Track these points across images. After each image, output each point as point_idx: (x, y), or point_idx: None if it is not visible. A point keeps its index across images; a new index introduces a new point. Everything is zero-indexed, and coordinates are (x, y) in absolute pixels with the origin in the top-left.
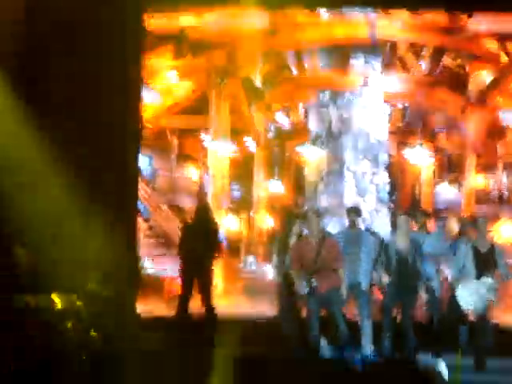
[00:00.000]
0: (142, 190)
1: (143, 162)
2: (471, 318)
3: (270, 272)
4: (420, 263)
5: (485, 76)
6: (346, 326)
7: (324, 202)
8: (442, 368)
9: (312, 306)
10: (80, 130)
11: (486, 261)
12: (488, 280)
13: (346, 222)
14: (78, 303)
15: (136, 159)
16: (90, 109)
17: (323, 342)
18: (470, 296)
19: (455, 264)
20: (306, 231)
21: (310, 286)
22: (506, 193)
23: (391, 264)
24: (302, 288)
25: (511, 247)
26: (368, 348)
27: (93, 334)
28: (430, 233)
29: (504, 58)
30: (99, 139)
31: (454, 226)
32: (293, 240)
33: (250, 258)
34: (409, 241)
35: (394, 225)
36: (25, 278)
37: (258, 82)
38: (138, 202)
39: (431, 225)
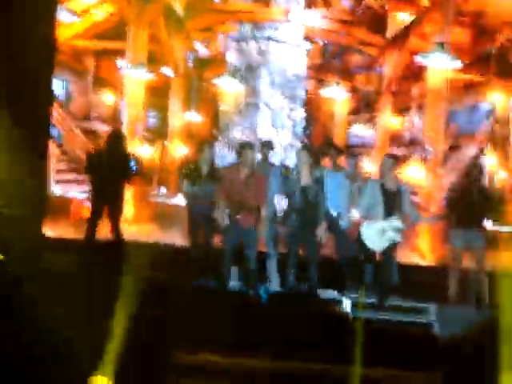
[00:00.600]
0: (56, 112)
1: (58, 84)
2: (376, 256)
3: (180, 201)
4: (322, 200)
5: (404, 17)
6: (256, 266)
7: (238, 134)
8: (346, 304)
9: (230, 238)
10: None
11: (393, 201)
12: (394, 220)
13: (259, 156)
14: None
15: (49, 81)
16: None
17: (233, 275)
18: (374, 235)
19: (362, 202)
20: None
21: (233, 218)
22: (418, 135)
23: (293, 199)
24: (223, 218)
25: (419, 188)
26: (274, 282)
27: None
28: (342, 169)
29: (424, 1)
30: (10, 59)
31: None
32: (205, 169)
33: (162, 187)
34: (310, 177)
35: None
36: None
37: (178, 10)
38: (51, 126)
39: (343, 161)
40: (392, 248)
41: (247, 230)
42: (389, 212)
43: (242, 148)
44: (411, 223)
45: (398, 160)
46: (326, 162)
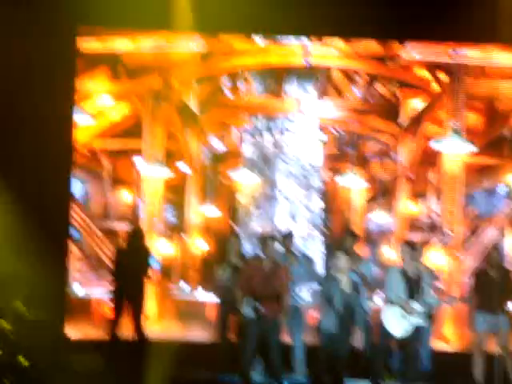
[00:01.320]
0: (75, 214)
1: (76, 186)
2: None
3: (203, 296)
4: (360, 307)
5: (417, 104)
6: (281, 359)
7: (256, 226)
8: None
9: (253, 331)
10: (11, 152)
11: (414, 287)
12: (413, 305)
13: (280, 247)
14: (4, 325)
15: (68, 183)
16: (22, 132)
17: (258, 369)
18: (394, 320)
19: (387, 290)
20: (247, 253)
21: (257, 311)
22: (437, 219)
23: (332, 304)
24: (247, 312)
25: (440, 273)
26: (300, 372)
27: (19, 357)
28: (360, 256)
29: (435, 87)
30: (30, 162)
31: (386, 252)
32: (236, 260)
33: (183, 283)
34: (350, 283)
35: (327, 249)
36: None
37: (192, 107)
38: (71, 227)
39: (362, 249)
40: (419, 334)
41: (271, 321)
42: (411, 298)
43: (265, 240)
44: (433, 308)
45: (416, 246)
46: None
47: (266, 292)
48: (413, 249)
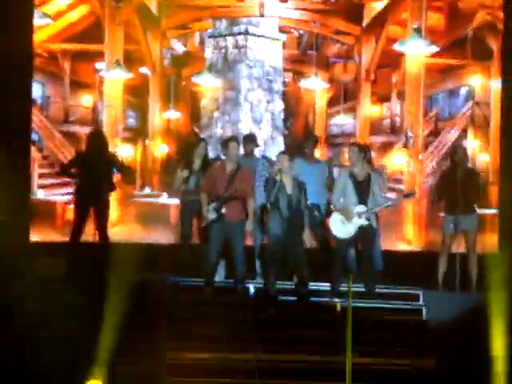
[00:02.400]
0: (35, 117)
1: (36, 88)
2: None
3: (165, 199)
4: (305, 204)
5: (380, 5)
6: (243, 262)
7: (219, 130)
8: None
9: (215, 233)
10: None
11: (363, 188)
12: (360, 207)
13: (242, 150)
14: None
15: (28, 86)
16: None
17: (220, 272)
18: (339, 224)
19: (335, 192)
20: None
21: (218, 212)
22: (399, 122)
23: (277, 205)
24: (209, 213)
25: (401, 175)
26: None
27: None
28: (317, 161)
29: None
30: None
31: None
32: (197, 163)
33: (147, 187)
34: (293, 182)
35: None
36: None
37: (153, 8)
38: (31, 130)
39: (323, 151)
40: (368, 234)
41: (234, 224)
42: (361, 200)
43: (227, 142)
44: (380, 208)
45: (365, 147)
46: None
47: (227, 193)
48: (361, 150)
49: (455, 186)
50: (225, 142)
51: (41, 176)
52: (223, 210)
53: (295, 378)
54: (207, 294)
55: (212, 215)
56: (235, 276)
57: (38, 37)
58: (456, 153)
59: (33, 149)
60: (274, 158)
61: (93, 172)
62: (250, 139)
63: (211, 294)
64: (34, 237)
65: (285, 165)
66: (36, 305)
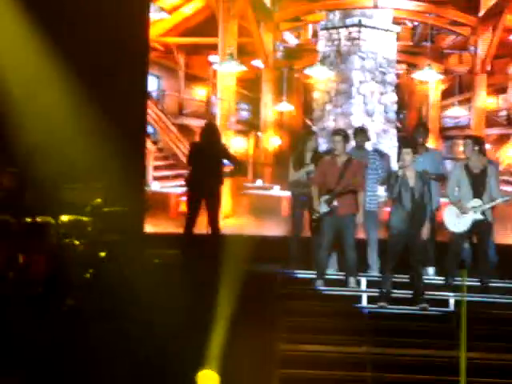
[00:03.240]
0: (151, 110)
1: (151, 82)
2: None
3: (277, 192)
4: (428, 198)
5: None
6: (355, 255)
7: (332, 122)
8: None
9: (327, 227)
10: (84, 47)
11: (478, 182)
12: (475, 201)
13: (353, 143)
14: (84, 219)
15: (144, 79)
16: (99, 30)
17: (332, 265)
18: (454, 218)
19: (450, 186)
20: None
21: (331, 206)
22: None
23: (400, 198)
24: (320, 207)
25: None
26: (375, 268)
27: (99, 250)
28: (430, 149)
29: None
30: (107, 59)
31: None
32: (308, 156)
33: (258, 180)
34: (416, 175)
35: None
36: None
37: (266, 1)
38: (147, 123)
39: (437, 144)
40: (483, 228)
41: (345, 218)
42: (476, 193)
43: (334, 135)
44: (496, 203)
45: (481, 140)
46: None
47: (339, 187)
48: (475, 143)
49: None
50: (332, 136)
51: (156, 168)
52: (335, 204)
53: (408, 372)
54: (319, 287)
55: (324, 209)
56: (347, 269)
57: (154, 31)
58: None
59: (148, 141)
60: (386, 151)
61: (205, 163)
62: (361, 132)
63: (323, 287)
64: (149, 227)
65: (407, 159)
66: (150, 293)
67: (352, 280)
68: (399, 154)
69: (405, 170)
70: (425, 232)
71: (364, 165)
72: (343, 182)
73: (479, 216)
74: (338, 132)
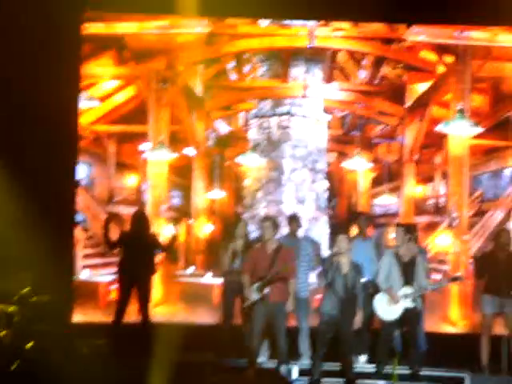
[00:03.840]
0: (81, 198)
1: (81, 169)
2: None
3: (209, 279)
4: (360, 286)
5: (423, 87)
6: (286, 343)
7: (263, 209)
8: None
9: (258, 314)
10: (17, 139)
11: (408, 270)
12: (406, 289)
13: (286, 230)
14: (11, 309)
15: (74, 167)
16: (27, 118)
17: (264, 353)
18: (385, 305)
19: (380, 274)
20: (252, 235)
21: (262, 293)
22: (443, 202)
23: (333, 286)
24: (251, 294)
25: (446, 256)
26: (307, 356)
27: (26, 341)
28: (370, 239)
29: (441, 69)
30: (35, 145)
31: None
32: (239, 243)
33: (191, 267)
34: (350, 263)
35: (332, 231)
36: None
37: (198, 90)
38: (76, 211)
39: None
40: (413, 316)
41: (276, 305)
42: (406, 281)
43: (264, 222)
44: (426, 290)
45: (411, 228)
46: (353, 231)
47: (270, 274)
48: (407, 230)
49: (497, 268)
50: (261, 223)
51: (86, 256)
52: (266, 291)
53: None
54: (250, 375)
55: (255, 296)
56: (278, 357)
57: (85, 119)
58: (499, 235)
59: (78, 229)
60: (317, 238)
61: (135, 252)
62: (294, 219)
63: (253, 375)
64: (78, 317)
65: (342, 245)
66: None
67: (283, 368)
68: (332, 240)
69: (339, 256)
70: (357, 321)
71: (294, 252)
72: (274, 269)
73: (409, 304)
74: (267, 219)
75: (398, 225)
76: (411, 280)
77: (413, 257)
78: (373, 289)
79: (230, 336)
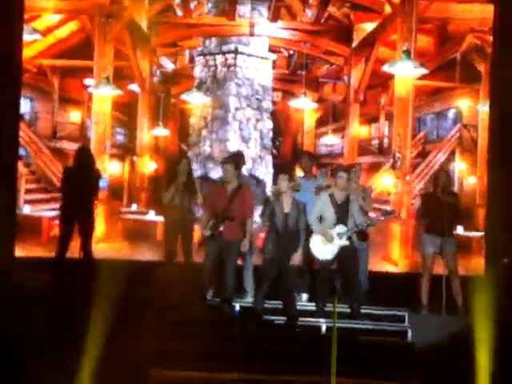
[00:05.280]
0: (23, 132)
1: (24, 104)
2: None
3: (152, 217)
4: (303, 224)
5: (369, 27)
6: (233, 280)
7: (208, 148)
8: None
9: (211, 250)
10: None
11: (342, 210)
12: (340, 228)
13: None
14: None
15: (16, 100)
16: None
17: (210, 290)
18: (320, 245)
19: (313, 214)
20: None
21: (216, 230)
22: (386, 142)
23: (274, 224)
24: (206, 231)
25: (388, 195)
26: (250, 293)
27: None
28: (315, 178)
29: (388, 9)
30: None
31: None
32: (181, 180)
33: (134, 204)
34: (292, 201)
35: (276, 171)
36: None
37: (143, 26)
38: (19, 146)
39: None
40: (349, 254)
41: (229, 243)
42: (340, 220)
43: (225, 164)
44: (360, 228)
45: (347, 168)
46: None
47: (227, 214)
48: (343, 171)
49: (436, 208)
50: (222, 164)
51: (28, 191)
52: (221, 229)
53: None
54: (196, 309)
55: (207, 232)
56: (224, 294)
57: (28, 52)
58: (439, 176)
59: (20, 164)
60: (261, 177)
61: (78, 188)
62: (239, 158)
63: (198, 311)
64: (20, 252)
65: (283, 185)
66: (18, 319)
67: (226, 306)
68: (275, 180)
69: (280, 196)
70: (296, 258)
71: (252, 194)
72: (231, 208)
73: (345, 242)
74: (227, 160)
75: (333, 166)
76: (346, 219)
77: (347, 197)
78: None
79: (173, 272)
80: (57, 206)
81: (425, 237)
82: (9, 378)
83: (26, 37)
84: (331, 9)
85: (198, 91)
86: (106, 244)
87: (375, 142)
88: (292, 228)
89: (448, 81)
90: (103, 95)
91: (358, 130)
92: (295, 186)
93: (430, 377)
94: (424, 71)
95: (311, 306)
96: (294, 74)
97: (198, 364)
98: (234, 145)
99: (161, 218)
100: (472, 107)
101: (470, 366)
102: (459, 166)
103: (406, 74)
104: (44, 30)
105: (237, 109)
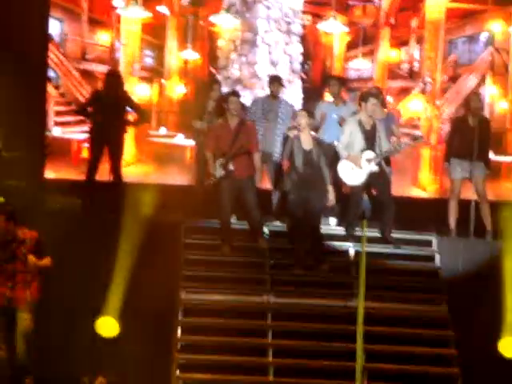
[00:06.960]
0: (52, 54)
1: (53, 25)
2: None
3: (181, 140)
4: (325, 165)
5: None
6: (259, 214)
7: (236, 71)
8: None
9: (225, 190)
10: None
11: (371, 136)
12: (368, 153)
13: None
14: None
15: (45, 21)
16: None
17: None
18: (348, 171)
19: (341, 140)
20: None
21: (226, 169)
22: (417, 67)
23: (293, 159)
24: (216, 171)
25: (418, 120)
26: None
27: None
28: (345, 103)
29: None
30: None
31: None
32: (211, 105)
33: (162, 127)
34: (312, 139)
35: (306, 96)
36: None
37: None
38: (48, 67)
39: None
40: (380, 179)
41: (243, 180)
42: (369, 147)
43: (228, 97)
44: (388, 153)
45: (375, 93)
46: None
47: (233, 150)
48: (371, 96)
49: (467, 133)
50: (226, 97)
51: (57, 113)
52: (231, 167)
53: (307, 321)
54: (225, 252)
55: (219, 173)
56: (252, 228)
57: None
58: (471, 99)
59: (49, 86)
60: (291, 102)
61: (107, 111)
62: (276, 80)
63: (229, 253)
64: (50, 174)
65: (302, 122)
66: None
67: (256, 237)
68: (304, 104)
69: (299, 133)
70: (330, 198)
71: (256, 128)
72: (236, 144)
73: (374, 168)
74: (234, 93)
75: (364, 91)
76: (374, 145)
77: (375, 122)
78: None
79: (202, 197)
80: (86, 128)
81: (453, 160)
82: None
83: None
84: None
85: (227, 13)
86: (135, 167)
87: (405, 66)
88: (314, 166)
89: (480, 3)
90: (132, 17)
91: (388, 53)
92: (312, 124)
93: (458, 301)
94: None
95: (339, 231)
96: None
97: (227, 288)
98: (263, 68)
99: (189, 142)
100: (505, 31)
101: (498, 289)
102: (490, 91)
103: None
104: None
105: (266, 32)
